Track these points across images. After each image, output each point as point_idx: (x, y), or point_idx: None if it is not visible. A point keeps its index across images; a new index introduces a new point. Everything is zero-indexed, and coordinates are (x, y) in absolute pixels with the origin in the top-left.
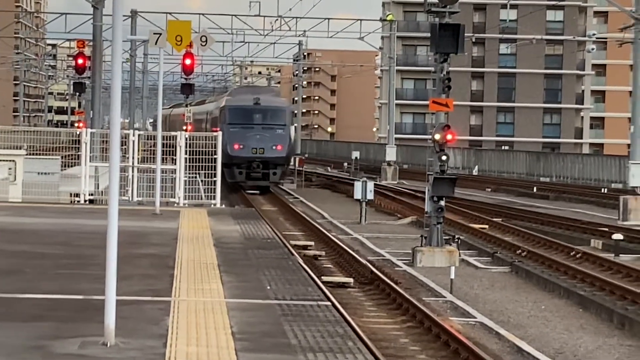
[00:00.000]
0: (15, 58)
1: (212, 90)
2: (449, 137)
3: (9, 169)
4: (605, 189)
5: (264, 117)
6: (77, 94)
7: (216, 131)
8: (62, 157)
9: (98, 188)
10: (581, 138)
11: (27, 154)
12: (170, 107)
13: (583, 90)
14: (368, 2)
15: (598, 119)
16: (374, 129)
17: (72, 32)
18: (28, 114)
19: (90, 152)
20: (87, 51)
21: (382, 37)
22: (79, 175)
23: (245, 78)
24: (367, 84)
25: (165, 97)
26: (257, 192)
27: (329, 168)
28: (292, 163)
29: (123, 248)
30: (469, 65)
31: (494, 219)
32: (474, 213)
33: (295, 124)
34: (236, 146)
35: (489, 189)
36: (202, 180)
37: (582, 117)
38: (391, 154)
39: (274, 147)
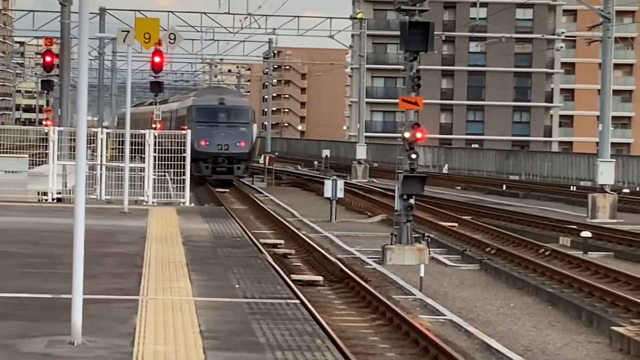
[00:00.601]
0: None
1: (182, 89)
2: (419, 135)
3: None
4: (574, 187)
5: (228, 115)
6: (45, 91)
7: (184, 129)
8: (29, 156)
9: (66, 186)
10: (550, 136)
11: None
12: (133, 106)
13: (552, 89)
14: (338, 0)
15: (567, 117)
16: (344, 128)
17: (40, 30)
18: None
19: (58, 151)
20: (56, 49)
21: (352, 35)
22: (47, 174)
23: (215, 76)
24: (337, 82)
25: (135, 95)
26: (227, 190)
27: (299, 166)
28: (261, 160)
29: (91, 247)
30: (439, 63)
31: (464, 217)
32: (443, 211)
33: (265, 122)
34: (203, 143)
35: (459, 187)
36: (171, 179)
37: (552, 115)
38: (361, 152)
39: (237, 144)
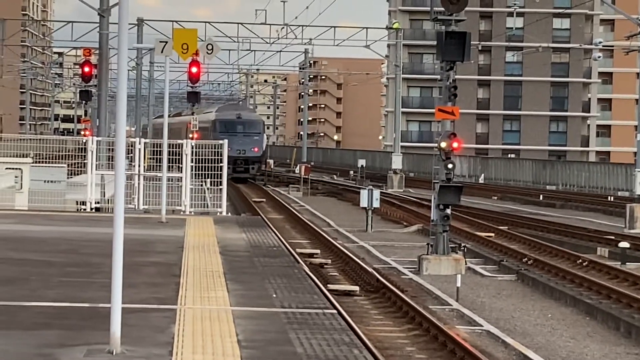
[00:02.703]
0: (22, 66)
1: (218, 99)
2: (455, 145)
3: (16, 177)
4: (612, 197)
5: (244, 127)
6: (84, 102)
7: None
8: (68, 165)
9: (104, 196)
10: (587, 146)
11: (33, 162)
12: (155, 117)
13: (589, 98)
14: (374, 10)
15: (604, 127)
16: (380, 137)
17: (78, 41)
18: (34, 122)
19: (97, 160)
20: (94, 59)
21: (388, 45)
22: (85, 183)
23: (251, 86)
24: (373, 92)
25: (172, 105)
26: (263, 199)
27: (334, 176)
28: (297, 170)
29: (129, 256)
30: (475, 73)
31: (500, 227)
32: (480, 221)
33: (301, 132)
34: None
35: (495, 197)
36: (208, 188)
37: (589, 125)
38: (397, 162)
39: (252, 149)
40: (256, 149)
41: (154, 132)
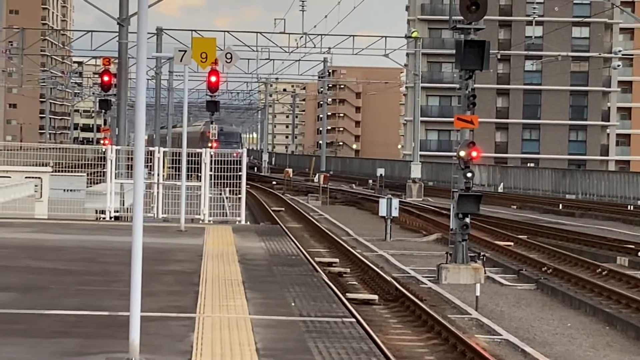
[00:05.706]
0: (42, 76)
1: (238, 108)
2: (474, 154)
3: (35, 185)
4: (632, 206)
5: (225, 137)
6: (103, 111)
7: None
8: (87, 174)
9: (123, 205)
10: (607, 155)
11: (53, 171)
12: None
13: (609, 107)
14: (393, 19)
15: (624, 136)
16: (399, 146)
17: (98, 50)
18: (54, 131)
19: (116, 169)
20: (113, 68)
21: (407, 54)
22: (105, 192)
23: (270, 95)
24: (392, 101)
25: (191, 114)
26: (282, 208)
27: (353, 185)
28: (316, 179)
29: (148, 265)
30: (494, 82)
31: (520, 236)
32: (499, 230)
33: (320, 141)
34: None
35: (515, 206)
36: (227, 197)
37: (608, 134)
38: (416, 171)
39: (232, 155)
40: (235, 155)
41: (161, 141)
